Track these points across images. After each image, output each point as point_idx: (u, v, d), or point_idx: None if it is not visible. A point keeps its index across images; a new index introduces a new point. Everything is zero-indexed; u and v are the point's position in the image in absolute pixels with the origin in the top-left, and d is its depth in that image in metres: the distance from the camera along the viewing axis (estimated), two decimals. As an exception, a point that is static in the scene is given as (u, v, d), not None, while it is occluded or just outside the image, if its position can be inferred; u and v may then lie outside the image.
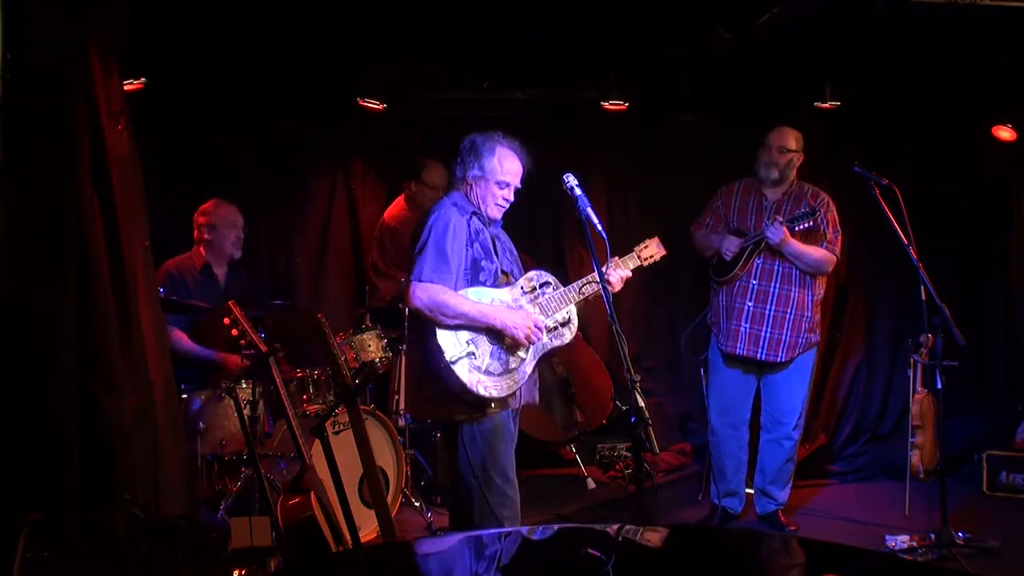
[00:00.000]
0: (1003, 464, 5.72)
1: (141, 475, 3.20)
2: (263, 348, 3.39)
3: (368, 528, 4.29)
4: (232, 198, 4.99)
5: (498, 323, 3.41)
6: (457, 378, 3.36)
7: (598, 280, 3.48)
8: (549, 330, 3.56)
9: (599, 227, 3.24)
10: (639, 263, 3.80)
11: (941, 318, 4.46)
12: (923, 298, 4.52)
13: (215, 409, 4.44)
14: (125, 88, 3.60)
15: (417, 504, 4.88)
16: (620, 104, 5.88)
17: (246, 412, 4.08)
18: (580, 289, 3.61)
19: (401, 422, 5.16)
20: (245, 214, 4.99)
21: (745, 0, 4.56)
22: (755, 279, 4.85)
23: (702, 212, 5.11)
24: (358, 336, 4.68)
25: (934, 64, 5.33)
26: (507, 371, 3.45)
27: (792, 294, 4.82)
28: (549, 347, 3.58)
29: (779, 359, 4.85)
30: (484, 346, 3.43)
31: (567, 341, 3.60)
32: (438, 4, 4.67)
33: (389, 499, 4.56)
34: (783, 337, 4.82)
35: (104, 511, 3.06)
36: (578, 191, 3.32)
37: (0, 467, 2.89)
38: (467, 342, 3.41)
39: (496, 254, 3.56)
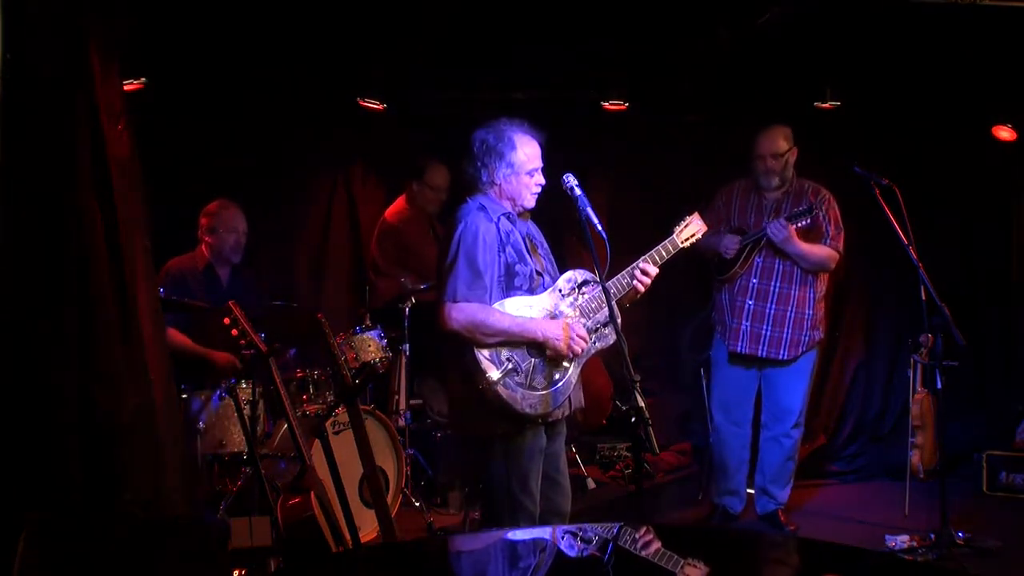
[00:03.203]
0: (1003, 464, 5.72)
1: (141, 475, 3.19)
2: (263, 348, 3.40)
3: (368, 528, 4.29)
4: (232, 198, 4.99)
5: (540, 336, 3.29)
6: (501, 398, 3.25)
7: (631, 273, 3.45)
8: (592, 332, 3.43)
9: (599, 227, 3.21)
10: (680, 246, 3.63)
11: (941, 318, 4.46)
12: (923, 298, 4.52)
13: (215, 409, 4.45)
14: (125, 88, 3.59)
15: (417, 504, 4.88)
16: (620, 104, 5.88)
17: (246, 412, 4.09)
18: (620, 284, 3.46)
19: (401, 422, 5.16)
20: (246, 214, 4.97)
21: (745, 0, 4.56)
22: (755, 277, 4.84)
23: (704, 213, 5.06)
24: (358, 336, 4.68)
25: (934, 64, 5.33)
26: (552, 383, 3.34)
27: (792, 292, 4.81)
28: (593, 350, 3.45)
29: (781, 356, 4.84)
30: (526, 361, 3.31)
31: (612, 342, 3.42)
32: (438, 4, 4.67)
33: (389, 499, 4.57)
34: (784, 335, 4.82)
35: (104, 511, 3.05)
36: (578, 191, 3.30)
37: (0, 467, 2.89)
38: (507, 359, 3.28)
39: (529, 253, 3.45)
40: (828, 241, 4.80)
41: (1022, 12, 4.31)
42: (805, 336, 4.84)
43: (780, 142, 4.84)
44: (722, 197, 5.05)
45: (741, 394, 5.02)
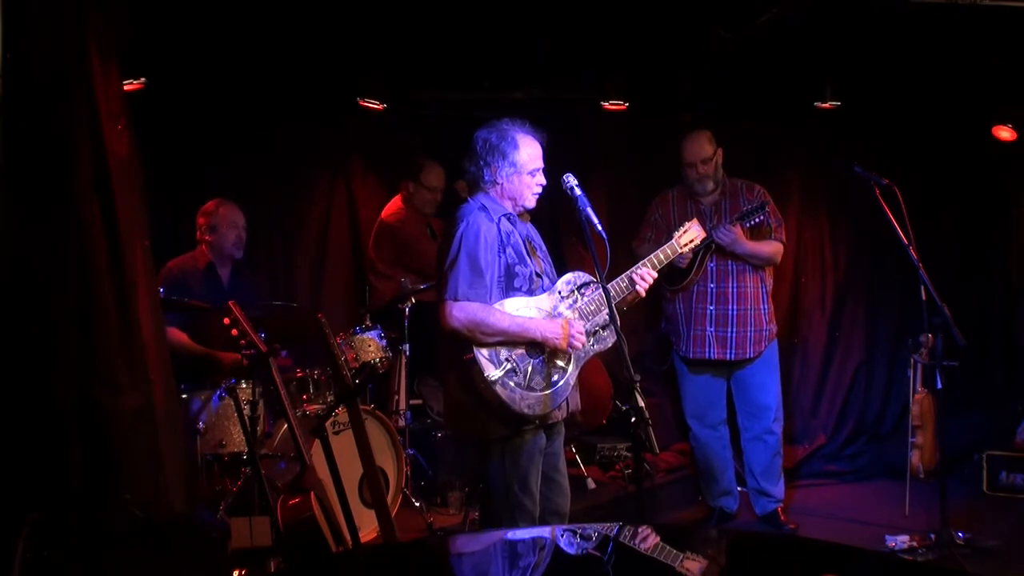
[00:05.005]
0: (1003, 464, 5.71)
1: (141, 475, 3.19)
2: (263, 348, 3.39)
3: (368, 528, 4.29)
4: (232, 198, 4.98)
5: (538, 335, 3.30)
6: (499, 397, 3.25)
7: (630, 277, 3.46)
8: (591, 334, 3.43)
9: (599, 227, 3.22)
10: (679, 251, 3.68)
11: (941, 318, 4.45)
12: (923, 298, 4.52)
13: (215, 409, 4.44)
14: (125, 88, 3.59)
15: (417, 504, 4.88)
16: (620, 104, 5.87)
17: (246, 412, 4.08)
18: (619, 288, 3.48)
19: (401, 422, 5.16)
20: (245, 214, 4.97)
21: (745, 0, 4.56)
22: (712, 282, 4.86)
23: (640, 227, 5.06)
24: (358, 336, 4.68)
25: (934, 64, 5.33)
26: (550, 384, 3.35)
27: (748, 290, 4.85)
28: (592, 352, 3.46)
29: (748, 355, 4.88)
30: (524, 361, 3.32)
31: (610, 345, 3.45)
32: (438, 4, 4.67)
33: (389, 499, 4.56)
34: (747, 334, 4.86)
35: (104, 511, 3.05)
36: (578, 191, 3.31)
37: (0, 467, 2.89)
38: (506, 359, 3.29)
39: (529, 255, 3.46)
40: (773, 236, 4.85)
41: (1022, 12, 4.31)
42: (765, 331, 4.90)
43: (706, 146, 4.86)
44: (657, 209, 5.05)
45: (712, 399, 5.06)
